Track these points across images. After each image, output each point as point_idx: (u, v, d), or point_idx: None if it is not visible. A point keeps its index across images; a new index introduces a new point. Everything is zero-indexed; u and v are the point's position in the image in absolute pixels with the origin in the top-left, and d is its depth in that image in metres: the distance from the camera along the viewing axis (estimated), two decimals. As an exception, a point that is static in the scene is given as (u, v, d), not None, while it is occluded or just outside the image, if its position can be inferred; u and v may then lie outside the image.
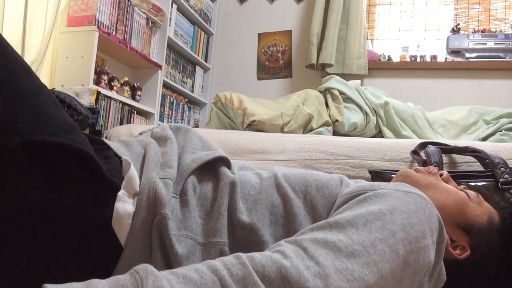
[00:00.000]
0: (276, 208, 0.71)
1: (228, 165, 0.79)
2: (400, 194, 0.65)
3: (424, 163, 1.09)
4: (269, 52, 3.31)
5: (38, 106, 0.62)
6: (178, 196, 0.70)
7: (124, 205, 0.64)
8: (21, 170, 0.57)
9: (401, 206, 0.63)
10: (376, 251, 0.56)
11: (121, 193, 0.65)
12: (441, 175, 0.85)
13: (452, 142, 1.20)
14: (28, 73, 0.64)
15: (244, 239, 0.68)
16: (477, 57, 2.80)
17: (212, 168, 0.77)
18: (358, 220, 0.60)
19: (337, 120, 1.88)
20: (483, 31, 2.88)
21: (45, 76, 2.07)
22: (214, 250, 0.65)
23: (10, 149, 0.56)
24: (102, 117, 2.16)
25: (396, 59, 3.02)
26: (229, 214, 0.69)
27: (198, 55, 3.24)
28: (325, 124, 1.86)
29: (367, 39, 3.08)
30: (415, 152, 1.16)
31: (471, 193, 0.81)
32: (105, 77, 2.24)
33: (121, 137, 1.38)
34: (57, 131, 0.62)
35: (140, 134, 0.94)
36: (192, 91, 3.22)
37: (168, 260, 0.63)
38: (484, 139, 1.93)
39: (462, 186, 0.86)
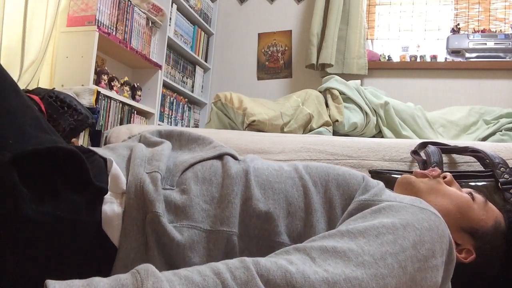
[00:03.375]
0: (295, 199, 0.70)
1: (235, 158, 0.79)
2: (415, 210, 0.64)
3: (424, 163, 1.09)
4: (269, 52, 3.31)
5: (25, 126, 0.65)
6: (175, 187, 0.69)
7: (112, 206, 0.64)
8: (14, 185, 0.57)
9: (415, 222, 0.62)
10: (386, 264, 0.56)
11: (108, 195, 0.65)
12: (444, 177, 0.83)
13: (452, 142, 1.20)
14: (16, 92, 0.66)
15: (256, 228, 0.67)
16: (477, 57, 2.80)
17: (216, 159, 0.77)
18: (370, 232, 0.60)
19: (337, 120, 1.88)
20: (483, 31, 2.87)
21: (45, 76, 2.07)
22: (220, 238, 0.64)
23: (3, 165, 0.57)
24: (102, 117, 2.16)
25: (396, 59, 3.02)
26: (242, 202, 0.68)
27: (198, 55, 3.24)
28: (325, 124, 1.86)
29: (367, 39, 3.08)
30: (415, 152, 1.16)
31: (478, 196, 0.80)
32: (105, 77, 2.24)
33: (121, 137, 1.39)
34: (45, 145, 0.64)
35: (129, 138, 0.94)
36: (192, 91, 3.22)
37: (167, 256, 0.63)
38: (484, 139, 1.93)
39: (469, 190, 0.83)
